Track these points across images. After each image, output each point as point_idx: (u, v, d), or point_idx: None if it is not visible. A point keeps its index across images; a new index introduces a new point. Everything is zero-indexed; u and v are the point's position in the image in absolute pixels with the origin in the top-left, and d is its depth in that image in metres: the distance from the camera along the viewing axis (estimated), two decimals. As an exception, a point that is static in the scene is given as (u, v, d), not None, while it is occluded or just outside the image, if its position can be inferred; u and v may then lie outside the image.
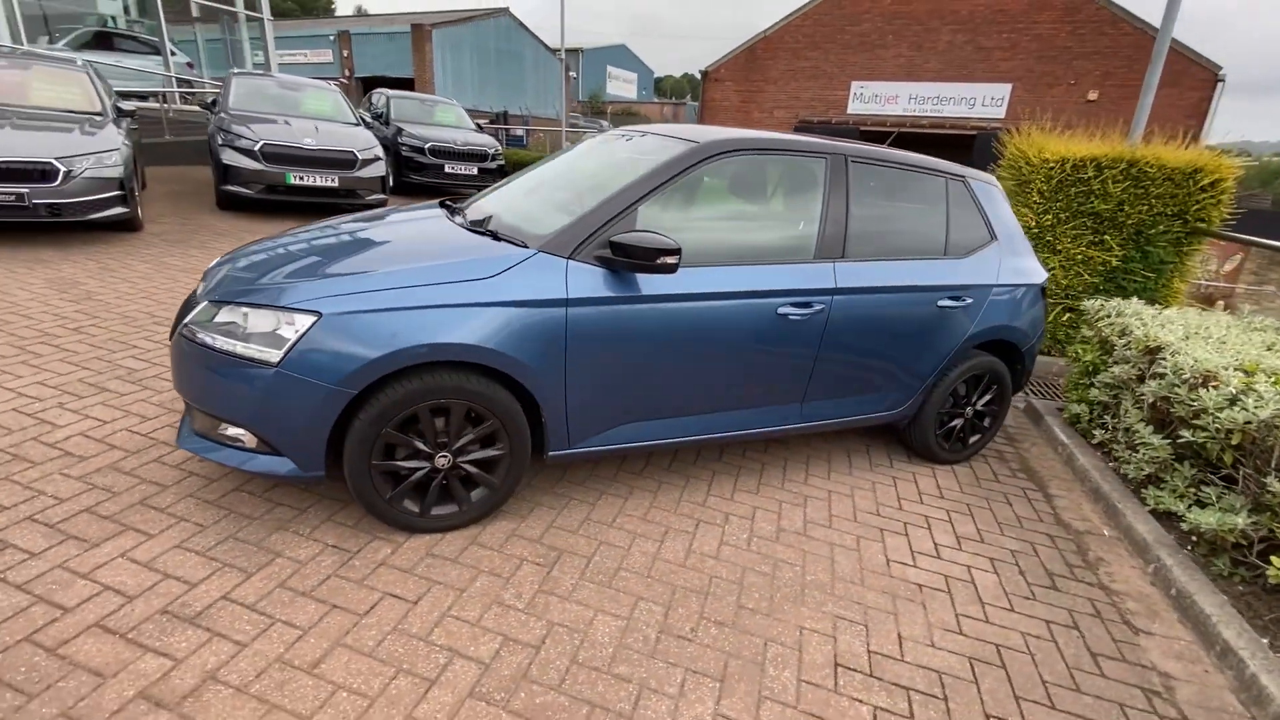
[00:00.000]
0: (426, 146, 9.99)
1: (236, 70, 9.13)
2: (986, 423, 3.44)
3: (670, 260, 2.21)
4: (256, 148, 7.01)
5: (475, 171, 10.38)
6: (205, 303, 2.16)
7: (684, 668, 1.90)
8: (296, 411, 2.03)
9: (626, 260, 2.22)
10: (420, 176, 10.05)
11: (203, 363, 2.09)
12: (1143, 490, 2.99)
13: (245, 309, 2.07)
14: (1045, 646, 2.19)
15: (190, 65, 13.84)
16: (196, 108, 11.66)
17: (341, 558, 2.18)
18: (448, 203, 3.01)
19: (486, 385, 2.20)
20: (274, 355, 2.00)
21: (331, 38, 25.57)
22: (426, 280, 2.13)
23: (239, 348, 2.03)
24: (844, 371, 2.86)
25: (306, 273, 2.19)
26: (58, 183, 5.06)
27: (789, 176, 2.84)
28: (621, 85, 44.30)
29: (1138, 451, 3.03)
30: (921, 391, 3.11)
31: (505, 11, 27.84)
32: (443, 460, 2.26)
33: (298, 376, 2.00)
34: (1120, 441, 3.27)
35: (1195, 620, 2.33)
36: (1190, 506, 2.67)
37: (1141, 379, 3.13)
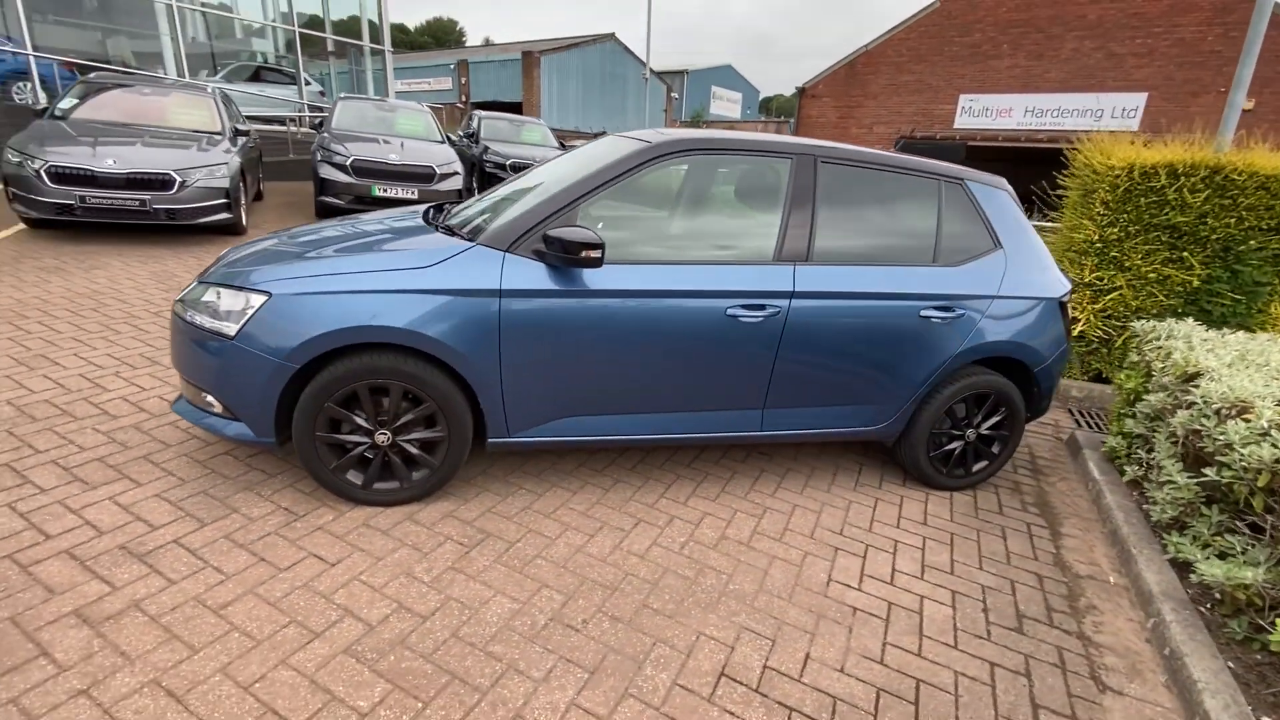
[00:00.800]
0: (508, 163, 10.58)
1: (343, 95, 10.18)
2: (995, 449, 3.13)
3: (593, 254, 2.24)
4: (348, 163, 7.77)
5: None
6: (195, 283, 2.46)
7: (559, 655, 1.90)
8: (249, 381, 2.26)
9: (555, 254, 2.28)
10: (502, 190, 10.65)
11: (186, 335, 2.38)
12: (1165, 536, 2.60)
13: (219, 289, 2.34)
14: (979, 691, 1.96)
15: (322, 93, 15.57)
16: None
17: (287, 519, 2.38)
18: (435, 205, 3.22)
19: (423, 369, 2.33)
20: (231, 329, 2.24)
21: (452, 66, 27.77)
22: (369, 268, 2.30)
23: (208, 322, 2.29)
24: (811, 380, 2.73)
25: (275, 259, 2.44)
26: (174, 191, 5.89)
27: (750, 177, 2.78)
28: (726, 105, 44.49)
29: (1164, 491, 2.64)
30: (907, 407, 2.90)
31: (611, 37, 28.94)
32: (382, 437, 2.41)
33: (249, 349, 2.23)
34: (1152, 479, 2.86)
35: (1182, 685, 2.00)
36: (1209, 557, 2.30)
37: (1177, 409, 2.73)
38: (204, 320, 2.30)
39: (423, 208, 3.09)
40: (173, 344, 2.52)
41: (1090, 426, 4.15)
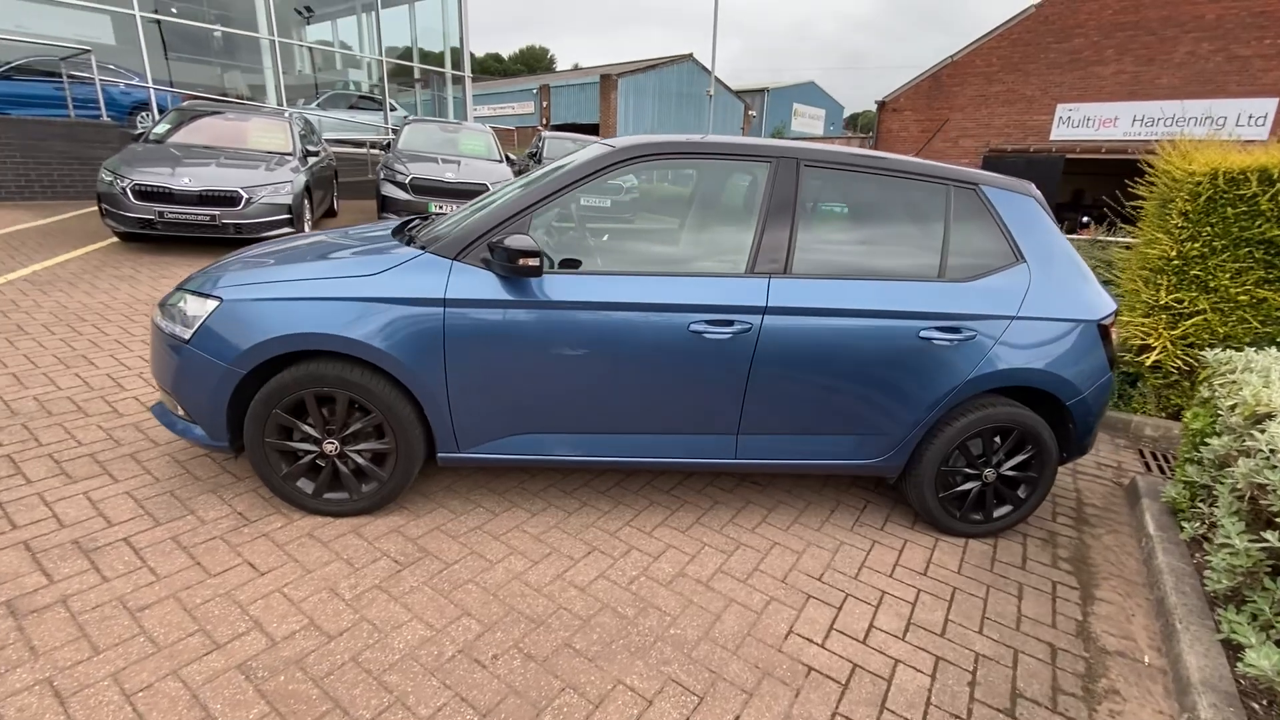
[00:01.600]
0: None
1: (410, 118, 10.71)
2: (1021, 492, 2.72)
3: (530, 262, 2.12)
4: (407, 181, 8.12)
5: (609, 204, 10.93)
6: (175, 290, 2.55)
7: (454, 693, 1.75)
8: (202, 385, 2.28)
9: (498, 263, 2.18)
10: (558, 207, 10.85)
11: (156, 340, 2.45)
12: (1220, 610, 2.13)
13: (186, 294, 2.39)
14: (939, 783, 1.64)
15: (406, 118, 16.55)
16: (399, 152, 13.92)
17: (237, 524, 2.38)
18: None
19: (368, 379, 2.28)
20: (187, 334, 2.28)
21: (534, 91, 28.88)
22: (317, 275, 2.29)
23: (170, 327, 2.35)
24: (792, 406, 2.47)
25: (243, 266, 2.48)
26: (240, 207, 6.33)
27: (723, 183, 2.58)
28: (808, 121, 43.67)
29: (1220, 555, 2.18)
30: (908, 441, 2.56)
31: (689, 57, 29.16)
32: (330, 447, 2.37)
33: (201, 354, 2.25)
34: (1212, 539, 2.38)
35: (1211, 807, 1.59)
36: (1267, 641, 1.85)
37: (1241, 456, 2.26)
38: (167, 325, 2.36)
39: (399, 221, 3.08)
40: (150, 349, 2.61)
41: (1161, 471, 3.57)
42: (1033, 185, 2.68)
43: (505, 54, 71.09)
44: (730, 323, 2.33)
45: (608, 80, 25.87)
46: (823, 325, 2.38)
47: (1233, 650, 2.02)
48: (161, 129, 7.33)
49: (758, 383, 2.41)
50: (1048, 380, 2.53)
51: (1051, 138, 16.93)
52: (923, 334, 2.42)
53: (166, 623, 1.90)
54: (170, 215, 6.12)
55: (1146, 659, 2.14)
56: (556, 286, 2.28)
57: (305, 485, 2.43)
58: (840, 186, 2.51)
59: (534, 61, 68.13)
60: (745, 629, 2.10)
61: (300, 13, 17.86)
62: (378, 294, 2.23)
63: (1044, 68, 16.78)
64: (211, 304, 2.27)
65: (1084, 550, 2.75)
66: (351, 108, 15.63)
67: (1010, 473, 2.67)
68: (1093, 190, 17.38)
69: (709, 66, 30.81)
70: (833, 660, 2.01)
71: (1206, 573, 2.28)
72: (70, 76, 9.58)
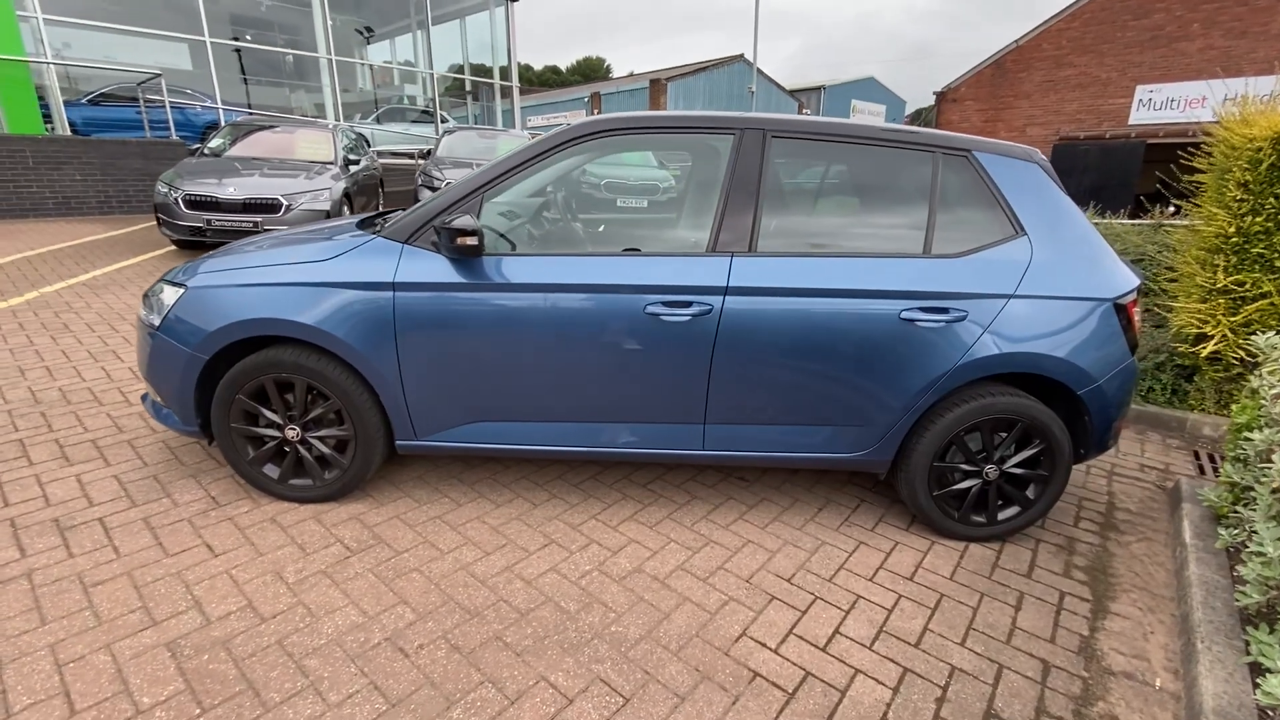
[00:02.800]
0: (603, 183, 10.79)
1: (450, 126, 10.99)
2: (1031, 492, 2.45)
3: (467, 241, 2.06)
4: (442, 185, 8.32)
5: (645, 204, 10.89)
6: (157, 281, 2.64)
7: (370, 680, 1.70)
8: (170, 371, 2.35)
9: (443, 244, 2.13)
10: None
11: (139, 329, 2.55)
12: (1250, 629, 1.83)
13: (164, 285, 2.47)
14: (878, 808, 1.46)
15: (451, 128, 17.09)
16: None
17: (207, 507, 2.43)
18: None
19: (324, 365, 2.28)
20: (157, 321, 2.35)
21: (585, 100, 29.25)
22: (274, 261, 2.31)
23: (146, 315, 2.43)
24: (761, 394, 2.31)
25: (220, 255, 2.54)
26: (280, 213, 6.62)
27: (684, 157, 2.43)
28: (866, 119, 42.35)
29: (1252, 565, 1.87)
30: (893, 432, 2.35)
31: (739, 58, 28.84)
32: (292, 433, 2.39)
33: (169, 340, 2.32)
34: (1248, 547, 2.06)
35: None
36: (1297, 669, 1.57)
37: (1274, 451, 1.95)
38: (145, 314, 2.44)
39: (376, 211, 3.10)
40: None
41: (1217, 474, 3.16)
42: (1037, 151, 2.42)
43: (563, 66, 72.53)
44: (688, 304, 2.20)
45: (657, 85, 25.90)
46: (791, 307, 2.21)
47: (1259, 675, 1.73)
48: (216, 143, 7.80)
49: (722, 368, 2.26)
50: (1055, 367, 2.27)
51: (1130, 122, 15.71)
52: (904, 315, 2.21)
53: (114, 599, 1.94)
54: (217, 223, 6.48)
55: (1158, 682, 1.86)
56: (505, 268, 2.22)
57: (271, 470, 2.46)
58: (813, 158, 2.34)
59: (590, 71, 69.18)
60: (694, 630, 1.96)
61: (361, 33, 18.77)
62: (328, 279, 2.23)
63: (1120, 47, 15.60)
64: (178, 292, 2.33)
65: (1105, 559, 2.45)
66: (414, 122, 16.26)
67: (1017, 470, 2.41)
68: (1180, 178, 15.96)
69: (760, 66, 30.35)
70: (784, 667, 1.84)
71: (1240, 586, 1.98)
72: (146, 100, 10.37)
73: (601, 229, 3.75)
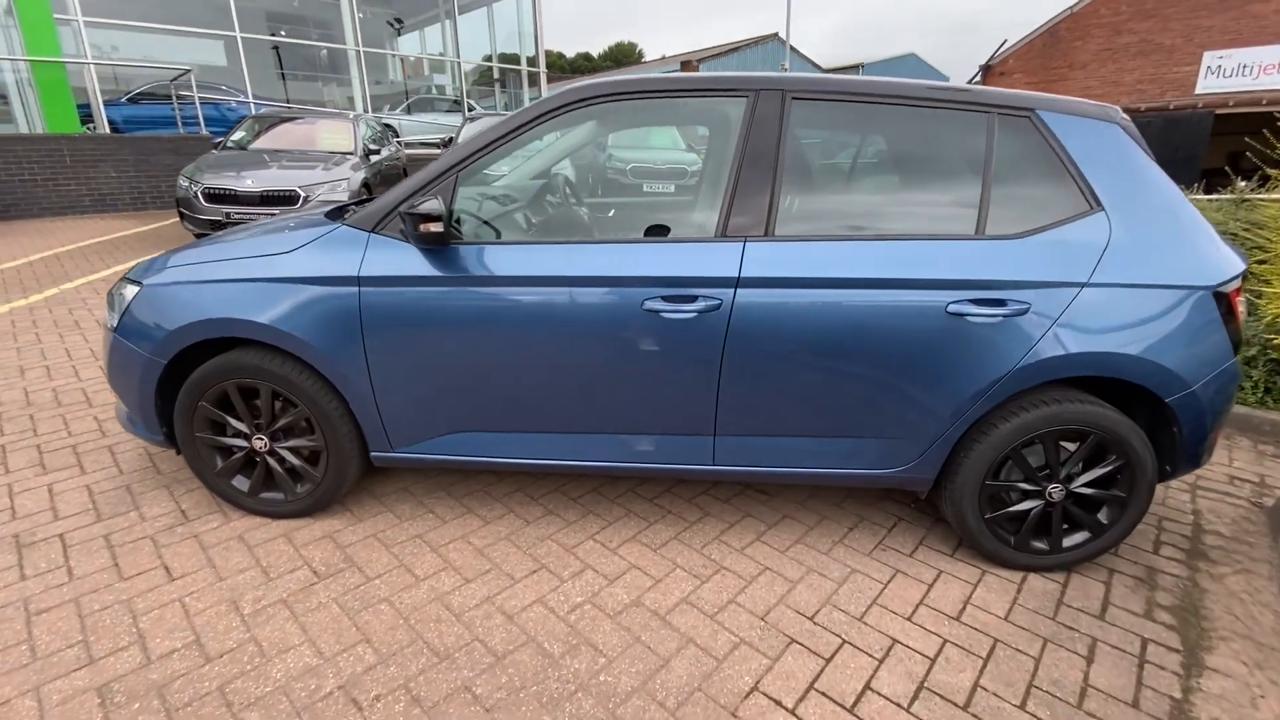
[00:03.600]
0: (629, 168, 10.48)
1: (474, 114, 10.80)
2: (1103, 516, 2.07)
3: (431, 228, 1.79)
4: (463, 174, 8.14)
5: (673, 189, 10.54)
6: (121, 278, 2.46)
7: (312, 741, 1.47)
8: (129, 375, 2.16)
9: (409, 231, 1.87)
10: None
11: (104, 331, 2.37)
12: (1403, 708, 1.44)
13: (124, 282, 2.29)
14: None
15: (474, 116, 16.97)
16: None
17: (174, 522, 2.25)
18: None
19: (289, 369, 2.06)
20: (114, 321, 2.16)
21: (617, 85, 28.80)
22: (231, 255, 2.09)
23: (107, 315, 2.25)
24: (781, 402, 1.99)
25: (181, 249, 2.34)
26: (298, 205, 6.52)
27: (689, 129, 2.11)
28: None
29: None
30: (937, 446, 2.00)
31: (774, 37, 27.95)
32: (259, 443, 2.18)
33: (126, 342, 2.13)
34: (1393, 599, 1.65)
35: None
36: None
37: None
38: (106, 313, 2.26)
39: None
40: None
41: (1327, 491, 2.70)
42: (1116, 109, 2.01)
43: (595, 53, 71.98)
44: (693, 298, 1.89)
45: (688, 66, 25.28)
46: (815, 300, 1.88)
47: None
48: (237, 136, 7.76)
49: (734, 373, 1.95)
50: (1137, 369, 1.88)
51: (1197, 91, 14.52)
52: (952, 308, 1.86)
53: (55, 630, 1.76)
54: (236, 215, 6.40)
55: (1277, 768, 1.49)
56: (484, 259, 1.95)
57: (240, 483, 2.26)
58: (843, 124, 1.99)
59: (622, 57, 68.45)
60: (696, 681, 1.67)
61: (392, 25, 18.79)
62: (287, 274, 1.99)
63: (1186, 11, 14.39)
64: (134, 289, 2.13)
65: (1196, 596, 2.06)
66: (446, 112, 16.19)
67: (1086, 490, 2.04)
68: (1253, 149, 14.67)
69: (794, 45, 29.38)
70: (801, 733, 1.54)
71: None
72: (180, 96, 10.47)
73: (611, 214, 3.46)
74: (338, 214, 2.37)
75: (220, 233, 2.59)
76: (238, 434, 2.19)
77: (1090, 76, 15.73)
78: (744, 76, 1.96)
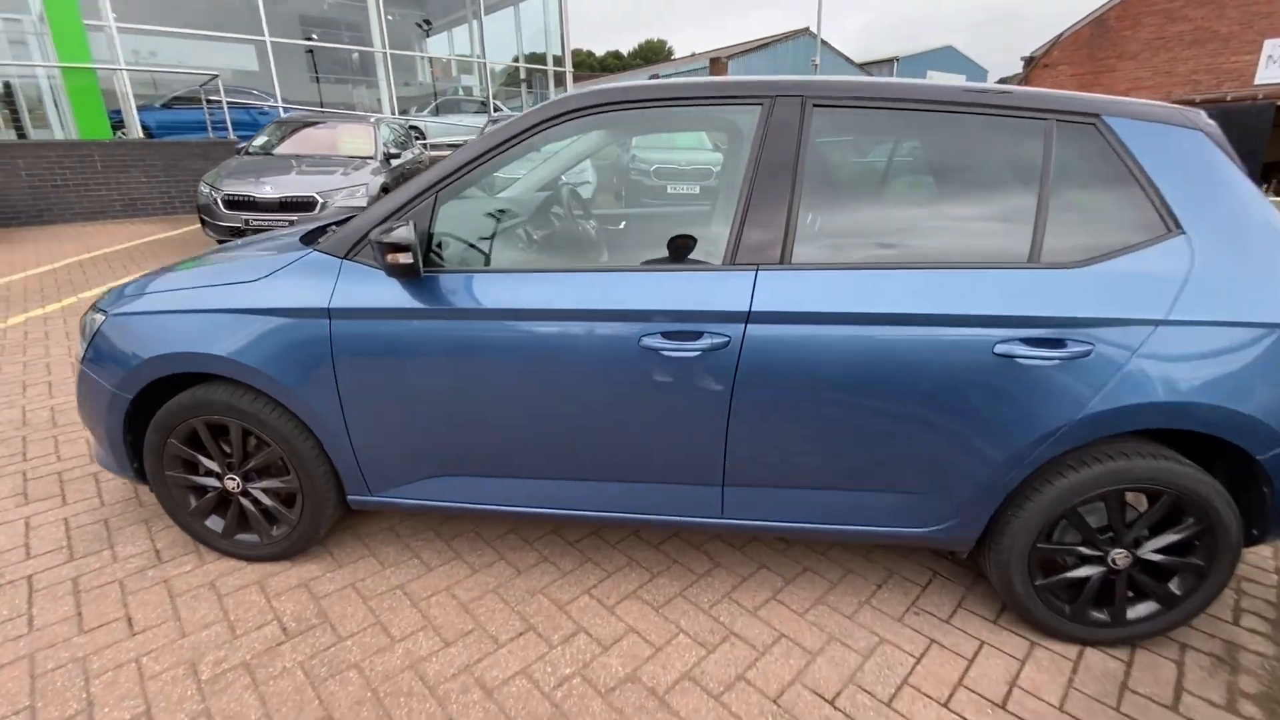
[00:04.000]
0: (652, 169, 10.23)
1: (497, 116, 10.70)
2: (1175, 586, 1.79)
3: (400, 259, 1.60)
4: (483, 177, 8.01)
5: (698, 190, 10.27)
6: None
7: None
8: (96, 409, 2.02)
9: (380, 261, 1.68)
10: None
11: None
12: None
13: (95, 311, 2.15)
14: None
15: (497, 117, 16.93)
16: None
17: (147, 564, 2.11)
18: None
19: (259, 406, 1.90)
20: (82, 351, 2.03)
21: (645, 82, 28.57)
22: (197, 283, 1.93)
23: (79, 343, 2.12)
24: (796, 450, 1.75)
25: (154, 274, 2.20)
26: (316, 210, 6.46)
27: (695, 142, 1.88)
28: (947, 90, 39.49)
29: None
30: (982, 503, 1.74)
31: (804, 32, 27.36)
32: (231, 483, 2.03)
33: (91, 375, 1.99)
34: None
35: None
36: None
37: None
38: (79, 341, 2.13)
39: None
40: None
41: None
42: (1201, 113, 1.72)
43: (625, 50, 71.79)
44: (697, 335, 1.66)
45: (717, 63, 24.91)
46: (838, 337, 1.64)
47: None
48: (260, 141, 7.75)
49: (745, 418, 1.72)
50: (1224, 421, 1.59)
51: (1256, 82, 13.64)
52: (1000, 349, 1.59)
53: (3, 692, 1.62)
54: (255, 222, 6.38)
55: None
56: (467, 289, 1.75)
57: (214, 524, 2.11)
58: (872, 134, 1.74)
59: (651, 55, 68.14)
60: (695, 782, 1.45)
61: (421, 26, 18.88)
62: (254, 304, 1.83)
63: (1247, -3, 13.52)
64: (100, 319, 2.00)
65: (1289, 684, 1.76)
66: (474, 113, 16.21)
67: (1158, 557, 1.75)
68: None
69: (826, 39, 28.75)
70: None
71: None
72: (209, 101, 10.59)
73: (623, 225, 3.24)
74: (314, 236, 2.20)
75: (203, 253, 2.46)
76: (210, 473, 2.04)
77: (1141, 67, 14.93)
78: (757, 81, 1.72)
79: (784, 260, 1.67)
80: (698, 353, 1.66)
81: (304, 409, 1.85)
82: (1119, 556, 1.75)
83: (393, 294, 1.77)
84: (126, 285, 2.13)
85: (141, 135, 10.33)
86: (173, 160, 9.36)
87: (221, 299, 1.86)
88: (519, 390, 1.77)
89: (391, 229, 1.61)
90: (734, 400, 1.71)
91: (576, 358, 1.72)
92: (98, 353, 1.97)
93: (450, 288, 1.75)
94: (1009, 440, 1.65)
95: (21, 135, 9.63)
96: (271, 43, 12.02)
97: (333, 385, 1.82)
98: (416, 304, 1.76)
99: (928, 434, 1.68)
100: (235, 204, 6.36)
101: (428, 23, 18.81)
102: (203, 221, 6.64)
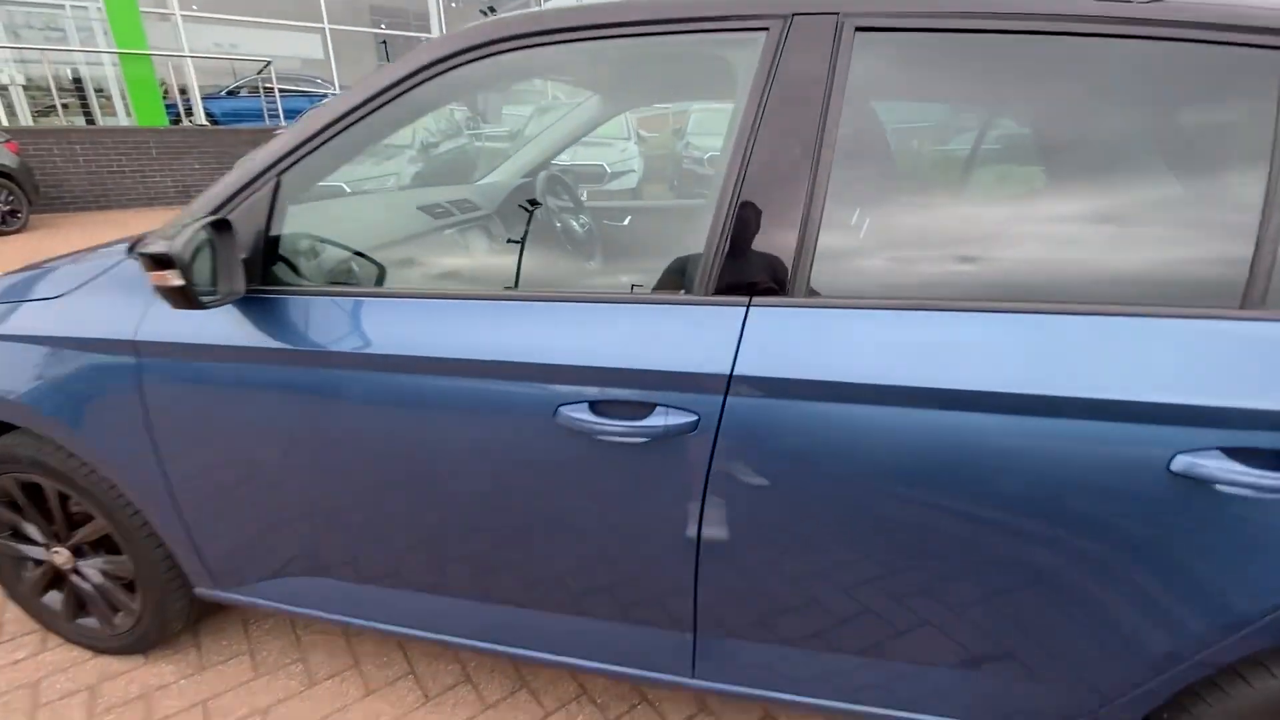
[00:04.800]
0: (706, 158, 9.54)
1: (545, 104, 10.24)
2: None
3: (169, 280, 1.03)
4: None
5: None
6: None
7: None
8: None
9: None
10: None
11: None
12: None
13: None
14: None
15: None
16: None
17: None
18: None
19: (75, 465, 1.40)
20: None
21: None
22: (9, 297, 1.44)
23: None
24: (812, 589, 1.09)
25: None
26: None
27: (674, 93, 1.23)
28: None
29: None
30: (1133, 699, 1.03)
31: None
32: (59, 557, 1.55)
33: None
34: None
35: None
36: None
37: None
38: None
39: None
40: None
41: None
42: None
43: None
44: (647, 408, 1.02)
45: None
46: (881, 424, 0.96)
47: None
48: (297, 127, 7.58)
49: (724, 537, 1.07)
50: None
51: None
52: (1181, 463, 0.87)
53: None
54: (280, 211, 6.15)
55: None
56: (306, 321, 1.18)
57: (52, 602, 1.65)
58: (955, 79, 1.04)
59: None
60: None
61: (485, 13, 18.77)
62: (48, 329, 1.32)
63: None
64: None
65: None
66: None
67: None
68: None
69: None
70: None
71: None
72: (268, 90, 10.64)
73: (627, 221, 2.60)
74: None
75: (43, 260, 2.00)
76: (35, 542, 1.58)
77: None
78: (768, -4, 1.04)
79: (792, 289, 1.00)
80: (644, 439, 1.02)
81: (120, 475, 1.34)
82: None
83: (218, 324, 1.21)
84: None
85: (206, 123, 10.48)
86: (225, 148, 9.40)
87: (21, 320, 1.36)
88: (382, 472, 1.19)
89: (170, 235, 1.04)
90: (706, 510, 1.06)
91: (462, 432, 1.12)
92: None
93: (289, 317, 1.18)
94: (1191, 612, 0.93)
95: (91, 122, 9.93)
96: (330, 30, 12.02)
97: (149, 445, 1.30)
98: (261, 339, 1.20)
99: (1036, 594, 0.98)
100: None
101: (491, 10, 18.67)
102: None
